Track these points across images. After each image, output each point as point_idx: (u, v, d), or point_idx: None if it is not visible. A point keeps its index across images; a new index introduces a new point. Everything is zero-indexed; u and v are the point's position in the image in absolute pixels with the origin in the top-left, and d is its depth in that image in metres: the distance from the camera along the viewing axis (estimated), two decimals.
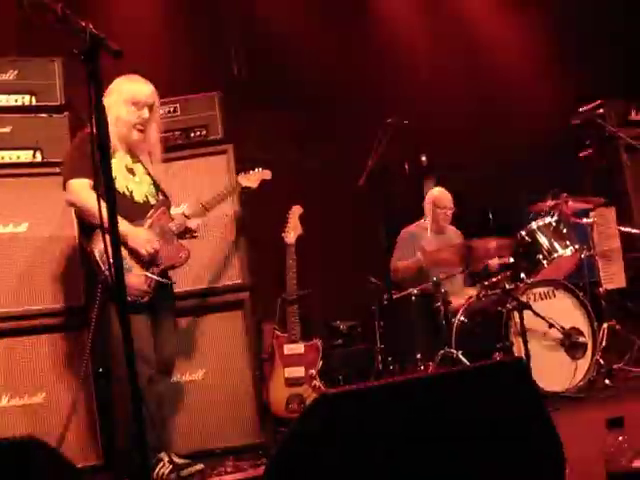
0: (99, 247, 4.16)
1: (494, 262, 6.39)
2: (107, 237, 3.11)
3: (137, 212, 4.36)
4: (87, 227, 4.27)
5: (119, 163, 4.38)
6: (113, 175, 4.19)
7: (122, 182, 4.37)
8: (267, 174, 5.03)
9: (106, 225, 2.74)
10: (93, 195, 4.17)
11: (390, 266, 6.54)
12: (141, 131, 4.48)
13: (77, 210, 4.37)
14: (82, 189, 4.24)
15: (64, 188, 4.31)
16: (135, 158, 4.54)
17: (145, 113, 4.45)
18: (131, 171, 4.47)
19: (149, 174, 4.57)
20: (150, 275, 4.27)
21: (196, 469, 4.31)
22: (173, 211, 4.66)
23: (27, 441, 2.28)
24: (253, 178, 4.96)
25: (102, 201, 2.81)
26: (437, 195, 6.79)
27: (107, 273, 4.09)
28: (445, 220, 6.75)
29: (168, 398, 4.64)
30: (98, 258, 4.16)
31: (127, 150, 4.48)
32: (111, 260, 2.71)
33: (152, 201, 4.48)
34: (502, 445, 2.56)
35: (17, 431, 4.46)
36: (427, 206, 6.84)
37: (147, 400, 4.13)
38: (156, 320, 4.39)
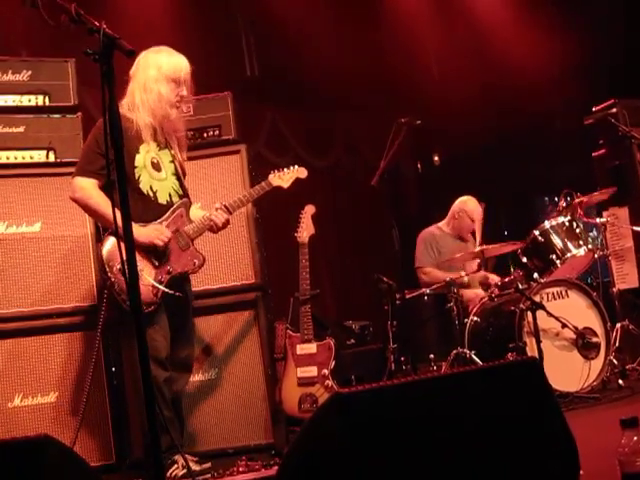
0: (107, 248, 4.13)
1: (493, 279, 6.40)
2: (117, 242, 3.10)
3: (159, 215, 4.30)
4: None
5: (145, 157, 4.29)
6: (137, 175, 4.20)
7: (146, 182, 4.27)
8: (302, 172, 4.83)
9: (114, 227, 2.73)
10: (97, 194, 4.16)
11: (419, 270, 6.58)
12: (178, 108, 4.36)
13: (81, 207, 4.33)
14: (85, 187, 4.19)
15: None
16: (161, 144, 4.41)
17: (184, 91, 4.33)
18: (156, 166, 4.34)
19: (173, 161, 4.45)
20: (157, 285, 4.17)
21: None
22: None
23: (42, 440, 2.28)
24: (286, 177, 4.74)
25: (115, 203, 2.79)
26: (472, 207, 6.74)
27: (113, 279, 4.07)
28: (470, 231, 6.73)
29: (185, 395, 4.63)
30: (105, 261, 4.11)
31: (154, 135, 4.33)
32: (125, 265, 2.70)
33: (175, 199, 4.38)
34: (516, 446, 2.55)
35: (29, 431, 4.46)
36: (456, 212, 6.82)
37: (162, 402, 4.12)
38: (174, 320, 4.32)
